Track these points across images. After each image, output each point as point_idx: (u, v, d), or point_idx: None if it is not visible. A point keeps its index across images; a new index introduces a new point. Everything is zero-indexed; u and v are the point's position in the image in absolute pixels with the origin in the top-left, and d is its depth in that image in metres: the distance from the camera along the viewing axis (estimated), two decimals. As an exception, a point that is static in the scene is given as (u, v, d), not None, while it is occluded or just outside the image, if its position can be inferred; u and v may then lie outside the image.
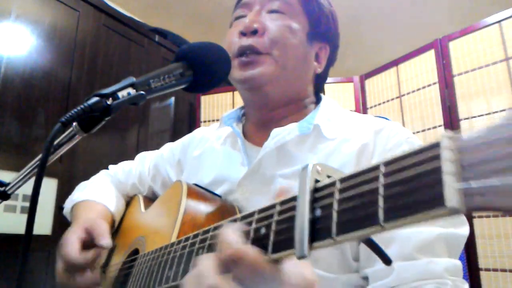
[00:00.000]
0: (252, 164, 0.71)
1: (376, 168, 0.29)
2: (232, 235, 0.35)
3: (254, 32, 0.70)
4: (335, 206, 0.30)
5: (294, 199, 0.35)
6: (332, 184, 0.32)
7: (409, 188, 0.26)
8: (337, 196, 0.31)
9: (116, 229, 0.93)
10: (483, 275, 1.65)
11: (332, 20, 0.78)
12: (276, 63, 0.70)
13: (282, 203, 0.36)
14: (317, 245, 0.30)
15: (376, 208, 0.27)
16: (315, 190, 0.33)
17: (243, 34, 0.71)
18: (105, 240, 0.67)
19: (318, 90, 0.82)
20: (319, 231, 0.31)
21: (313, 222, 0.31)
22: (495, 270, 1.63)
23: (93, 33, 2.02)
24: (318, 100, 0.81)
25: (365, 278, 0.59)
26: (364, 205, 0.28)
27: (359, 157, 0.65)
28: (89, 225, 0.70)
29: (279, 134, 0.69)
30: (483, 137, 0.23)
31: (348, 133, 0.69)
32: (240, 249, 0.33)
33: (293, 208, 0.34)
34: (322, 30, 0.76)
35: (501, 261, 1.61)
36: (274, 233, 0.35)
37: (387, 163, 0.28)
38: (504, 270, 1.60)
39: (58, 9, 1.86)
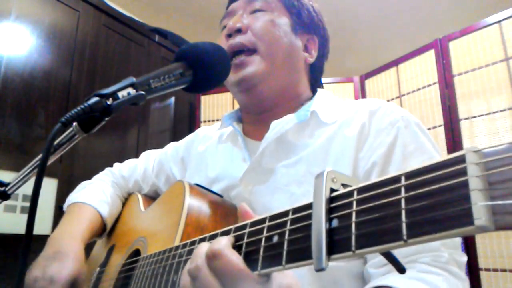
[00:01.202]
0: (253, 158, 0.71)
1: (396, 180, 0.28)
2: (224, 239, 0.39)
3: (239, 31, 0.73)
4: (354, 217, 0.29)
5: (308, 207, 0.34)
6: (350, 194, 0.31)
7: (433, 203, 0.25)
8: (355, 207, 0.30)
9: (113, 227, 0.94)
10: (483, 275, 1.65)
11: (314, 12, 0.81)
12: (265, 60, 0.72)
13: (295, 211, 0.35)
14: (336, 257, 0.30)
15: (399, 222, 0.26)
16: (331, 199, 0.32)
17: (229, 36, 0.74)
18: None
19: (315, 84, 0.83)
20: (337, 243, 0.30)
21: (330, 232, 0.30)
22: (495, 270, 1.63)
23: (93, 33, 2.02)
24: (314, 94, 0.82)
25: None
26: (385, 218, 0.27)
27: (359, 138, 0.65)
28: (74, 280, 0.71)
29: (278, 125, 0.70)
30: (508, 152, 0.22)
31: (346, 118, 0.70)
32: (222, 249, 0.38)
33: (308, 217, 0.33)
34: (306, 22, 0.79)
35: (501, 261, 1.61)
36: (288, 242, 0.34)
37: (409, 176, 0.27)
38: (504, 270, 1.60)
39: (58, 9, 1.86)
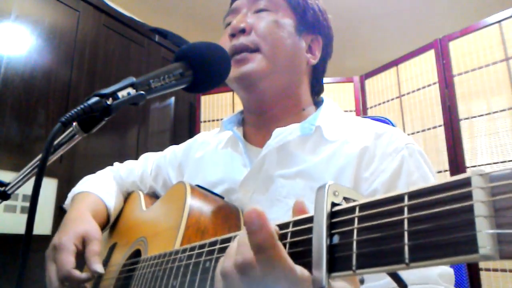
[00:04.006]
0: (253, 164, 0.71)
1: (399, 199, 0.27)
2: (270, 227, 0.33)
3: (243, 31, 0.73)
4: (355, 235, 0.28)
5: (308, 220, 0.33)
6: (351, 210, 0.30)
7: (437, 226, 0.24)
8: (356, 224, 0.29)
9: (115, 225, 0.93)
10: (483, 275, 1.65)
11: (319, 12, 0.80)
12: (267, 59, 0.71)
13: (296, 223, 0.34)
14: (335, 275, 0.29)
15: (401, 244, 0.25)
16: (332, 214, 0.31)
17: (232, 35, 0.74)
18: (97, 266, 0.67)
19: (317, 84, 0.83)
20: (337, 260, 0.29)
21: (331, 249, 0.29)
22: (495, 270, 1.63)
23: (93, 33, 2.01)
24: (319, 103, 0.82)
25: (361, 281, 0.60)
26: (387, 239, 0.26)
27: (360, 159, 0.65)
28: (86, 238, 0.72)
29: (281, 134, 0.70)
30: None
31: (349, 136, 0.70)
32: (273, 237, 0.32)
33: (308, 231, 0.32)
34: (310, 22, 0.78)
35: (501, 261, 1.61)
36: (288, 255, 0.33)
37: (412, 195, 0.26)
38: (504, 270, 1.60)
39: (58, 9, 1.86)
